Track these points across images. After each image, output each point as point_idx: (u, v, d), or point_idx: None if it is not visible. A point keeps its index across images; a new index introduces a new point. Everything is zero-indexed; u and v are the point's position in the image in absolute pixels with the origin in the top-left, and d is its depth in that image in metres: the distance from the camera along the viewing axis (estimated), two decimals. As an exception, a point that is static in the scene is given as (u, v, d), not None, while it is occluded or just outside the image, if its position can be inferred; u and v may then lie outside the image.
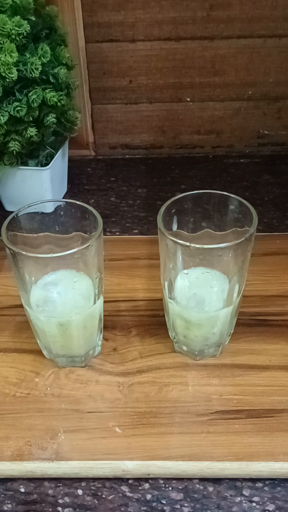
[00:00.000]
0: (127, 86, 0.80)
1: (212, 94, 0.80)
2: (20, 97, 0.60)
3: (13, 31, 0.57)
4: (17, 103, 0.60)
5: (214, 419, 0.45)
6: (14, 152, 0.64)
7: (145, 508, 0.40)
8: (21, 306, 0.48)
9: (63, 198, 0.75)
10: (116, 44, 0.76)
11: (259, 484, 0.42)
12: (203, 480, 0.42)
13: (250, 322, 0.53)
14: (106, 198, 0.76)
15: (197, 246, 0.42)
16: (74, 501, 0.41)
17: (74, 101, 0.70)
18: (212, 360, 0.50)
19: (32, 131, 0.63)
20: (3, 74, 0.57)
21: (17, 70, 0.58)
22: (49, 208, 0.48)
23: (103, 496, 0.41)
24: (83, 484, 0.42)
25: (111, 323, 0.54)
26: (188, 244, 0.42)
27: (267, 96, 0.80)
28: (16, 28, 0.57)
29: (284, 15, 0.73)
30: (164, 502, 0.41)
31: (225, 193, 0.47)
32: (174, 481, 0.42)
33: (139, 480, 0.42)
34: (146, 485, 0.42)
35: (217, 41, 0.76)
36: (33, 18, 0.62)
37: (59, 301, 0.47)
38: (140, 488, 0.42)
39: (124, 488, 0.42)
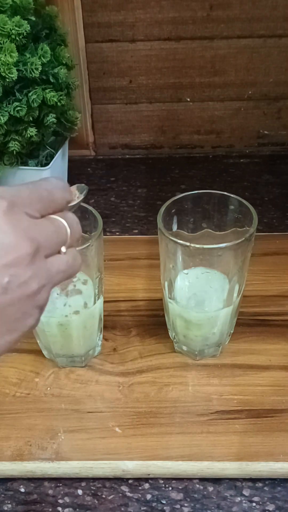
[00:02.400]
0: (127, 86, 0.80)
1: (212, 94, 0.80)
2: (20, 97, 0.60)
3: (13, 31, 0.57)
4: (17, 103, 0.60)
5: (214, 419, 0.45)
6: (14, 152, 0.64)
7: (145, 508, 0.40)
8: (21, 306, 0.48)
9: (63, 198, 0.75)
10: (116, 44, 0.76)
11: (259, 484, 0.42)
12: (203, 480, 0.42)
13: (250, 322, 0.53)
14: (106, 198, 0.76)
15: (197, 246, 0.42)
16: (74, 501, 0.41)
17: (74, 101, 0.70)
18: (212, 360, 0.50)
19: (32, 131, 0.63)
20: (3, 74, 0.57)
21: (17, 70, 0.58)
22: (49, 208, 0.48)
23: (103, 496, 0.41)
24: (83, 484, 0.42)
25: (111, 323, 0.54)
26: (188, 244, 0.42)
27: (267, 96, 0.80)
28: (16, 28, 0.57)
29: (284, 15, 0.73)
30: (164, 502, 0.41)
31: (225, 193, 0.47)
32: (174, 481, 0.42)
33: (139, 480, 0.42)
34: (146, 485, 0.42)
35: (217, 41, 0.76)
36: (33, 18, 0.62)
37: (59, 301, 0.47)
38: (140, 488, 0.42)
39: (124, 488, 0.42)
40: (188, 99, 0.81)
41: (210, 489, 0.41)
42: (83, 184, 0.35)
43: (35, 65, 0.59)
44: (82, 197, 0.34)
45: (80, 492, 0.42)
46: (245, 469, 0.42)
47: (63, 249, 0.30)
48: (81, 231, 0.32)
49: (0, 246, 0.26)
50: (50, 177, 0.31)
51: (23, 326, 0.28)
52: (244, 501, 0.40)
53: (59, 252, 0.30)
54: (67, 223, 0.30)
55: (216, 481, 0.42)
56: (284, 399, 0.46)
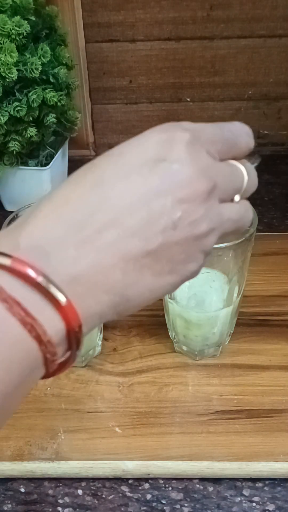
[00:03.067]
0: (127, 86, 0.80)
1: (212, 94, 0.80)
2: (20, 97, 0.61)
3: (13, 31, 0.57)
4: (17, 103, 0.60)
5: (214, 419, 0.45)
6: (14, 152, 0.64)
7: (145, 508, 0.40)
8: (21, 306, 0.48)
9: (63, 198, 0.75)
10: (116, 44, 0.76)
11: (259, 484, 0.41)
12: (203, 480, 0.42)
13: (250, 322, 0.53)
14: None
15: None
16: (74, 501, 0.41)
17: (74, 101, 0.70)
18: (212, 360, 0.50)
19: (32, 131, 0.63)
20: (3, 74, 0.57)
21: (17, 70, 0.58)
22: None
23: (103, 496, 0.41)
24: (83, 484, 0.42)
25: (111, 323, 0.54)
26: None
27: (267, 96, 0.80)
28: (16, 28, 0.57)
29: (284, 15, 0.73)
30: (164, 502, 0.41)
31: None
32: (174, 481, 0.42)
33: (139, 480, 0.42)
34: (146, 485, 0.42)
35: (217, 41, 0.76)
36: (33, 18, 0.62)
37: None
38: (140, 488, 0.42)
39: (124, 488, 0.42)
40: (188, 99, 0.81)
41: (210, 489, 0.41)
42: (256, 155, 0.32)
43: (35, 65, 0.59)
44: (256, 163, 0.31)
45: (80, 492, 0.42)
46: (245, 469, 0.41)
47: (237, 197, 0.28)
48: (257, 185, 0.30)
49: (177, 180, 0.25)
50: (236, 122, 0.29)
51: (185, 270, 0.26)
52: (244, 501, 0.40)
53: (232, 200, 0.28)
54: (245, 172, 0.29)
55: (216, 481, 0.42)
56: (284, 399, 0.46)
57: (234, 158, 0.29)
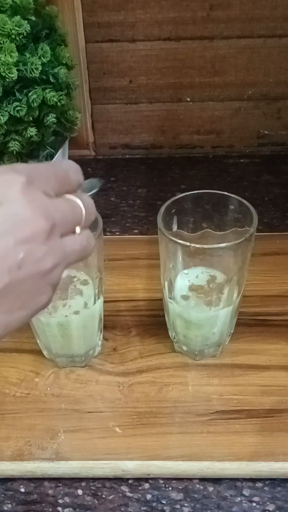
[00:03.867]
0: (127, 86, 0.80)
1: (212, 94, 0.80)
2: (20, 97, 0.60)
3: (13, 31, 0.57)
4: (17, 103, 0.60)
5: (214, 419, 0.45)
6: (14, 152, 0.64)
7: (145, 508, 0.40)
8: (21, 306, 0.48)
9: (63, 198, 0.75)
10: (116, 44, 0.76)
11: (259, 484, 0.42)
12: (203, 480, 0.42)
13: (250, 322, 0.53)
14: (106, 198, 0.76)
15: (197, 246, 0.42)
16: (74, 501, 0.41)
17: (74, 101, 0.70)
18: (212, 360, 0.50)
19: (32, 131, 0.63)
20: (3, 74, 0.57)
21: (17, 70, 0.58)
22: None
23: (103, 496, 0.41)
24: (83, 484, 0.42)
25: (111, 323, 0.54)
26: (188, 244, 0.42)
27: (267, 96, 0.80)
28: (16, 28, 0.57)
29: (284, 15, 0.73)
30: (164, 502, 0.41)
31: (225, 193, 0.47)
32: (174, 481, 0.42)
33: (139, 480, 0.42)
34: (146, 485, 0.42)
35: (217, 41, 0.76)
36: (33, 18, 0.62)
37: (59, 301, 0.47)
38: (140, 488, 0.42)
39: (124, 488, 0.42)
40: (188, 99, 0.81)
41: (210, 489, 0.41)
42: (96, 179, 0.35)
43: (35, 65, 0.59)
44: (95, 190, 0.34)
45: (80, 492, 0.42)
46: (245, 469, 0.42)
47: (78, 229, 0.30)
48: (96, 213, 0.32)
49: (17, 221, 0.26)
50: (63, 160, 0.32)
51: (36, 304, 0.28)
52: (244, 501, 0.40)
53: (73, 232, 0.30)
54: (82, 204, 0.30)
55: (216, 481, 0.42)
56: (284, 399, 0.46)
57: (68, 192, 0.30)
